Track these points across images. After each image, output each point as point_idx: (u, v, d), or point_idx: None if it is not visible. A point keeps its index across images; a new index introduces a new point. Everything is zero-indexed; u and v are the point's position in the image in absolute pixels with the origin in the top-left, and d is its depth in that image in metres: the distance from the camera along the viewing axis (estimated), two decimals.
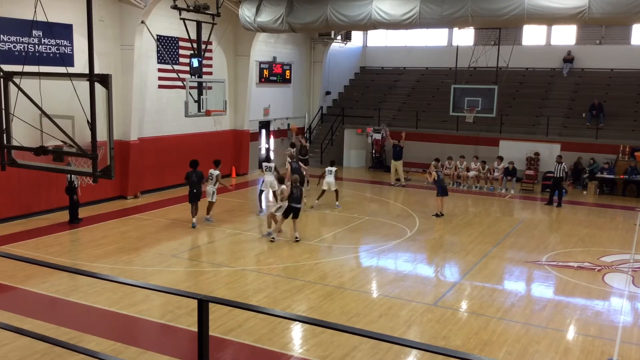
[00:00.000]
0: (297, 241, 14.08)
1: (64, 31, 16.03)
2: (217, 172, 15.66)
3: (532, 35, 27.68)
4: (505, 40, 24.28)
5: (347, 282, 11.58)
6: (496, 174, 22.12)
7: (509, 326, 9.56)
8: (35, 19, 7.68)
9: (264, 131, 25.46)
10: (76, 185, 15.30)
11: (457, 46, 24.03)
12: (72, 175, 15.02)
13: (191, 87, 16.72)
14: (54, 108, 6.49)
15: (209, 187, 15.57)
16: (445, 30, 28.87)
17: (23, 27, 14.58)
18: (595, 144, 22.76)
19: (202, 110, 16.89)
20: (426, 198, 19.90)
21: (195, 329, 3.71)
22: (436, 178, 17.31)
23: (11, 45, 14.82)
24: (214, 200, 15.71)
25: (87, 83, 5.61)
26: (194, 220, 15.36)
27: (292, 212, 14.12)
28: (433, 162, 19.16)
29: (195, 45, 17.82)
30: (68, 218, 15.40)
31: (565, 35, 27.42)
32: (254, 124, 24.35)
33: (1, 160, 6.54)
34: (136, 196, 18.65)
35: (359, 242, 14.86)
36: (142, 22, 17.74)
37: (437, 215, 17.24)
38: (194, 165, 15.49)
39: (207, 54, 20.21)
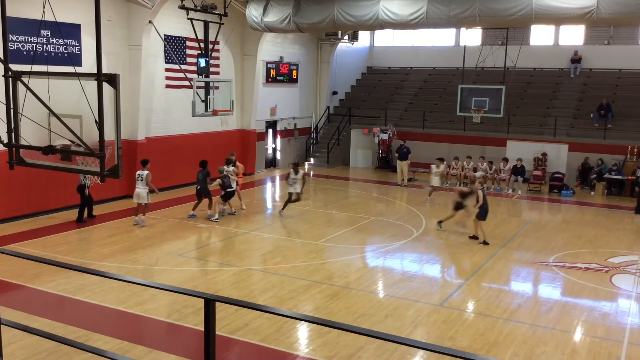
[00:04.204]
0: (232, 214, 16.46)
1: (72, 31, 16.11)
2: (146, 172, 15.06)
3: (540, 35, 27.56)
4: (513, 40, 24.21)
5: (354, 282, 11.57)
6: (503, 174, 22.06)
7: (515, 327, 9.53)
8: (43, 19, 7.71)
9: (270, 131, 25.48)
10: (88, 185, 15.44)
11: (465, 46, 23.98)
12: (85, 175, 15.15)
13: (198, 87, 16.76)
14: (62, 107, 6.51)
15: (141, 189, 15.00)
16: (453, 30, 28.79)
17: (31, 26, 14.65)
18: (603, 144, 22.64)
19: (209, 110, 16.92)
20: (433, 198, 19.84)
21: (201, 328, 3.72)
22: (481, 200, 14.32)
23: (20, 45, 14.89)
24: (148, 202, 15.23)
25: (95, 82, 5.62)
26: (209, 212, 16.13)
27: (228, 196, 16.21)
28: (478, 181, 15.66)
29: (202, 45, 17.86)
30: (76, 217, 15.50)
31: (573, 36, 27.29)
32: (261, 123, 24.38)
33: (10, 159, 6.57)
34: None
35: (366, 242, 14.85)
36: (150, 22, 17.80)
37: (484, 242, 14.31)
38: (203, 165, 16.26)
39: (214, 54, 20.25)
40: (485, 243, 14.30)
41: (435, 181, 19.85)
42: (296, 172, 16.48)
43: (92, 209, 15.82)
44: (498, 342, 8.94)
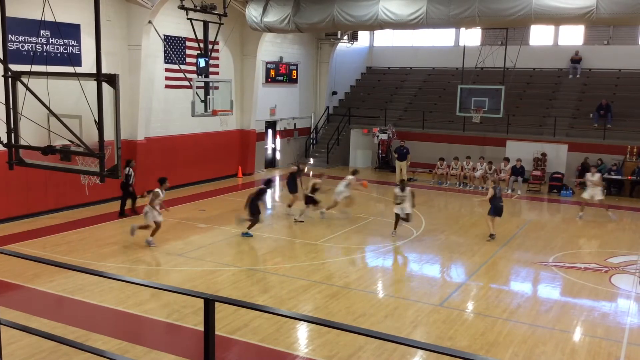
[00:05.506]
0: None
1: (72, 31, 16.10)
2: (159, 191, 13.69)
3: (540, 35, 27.56)
4: (513, 40, 24.20)
5: (353, 282, 11.57)
6: (502, 174, 22.06)
7: (515, 327, 9.53)
8: (43, 19, 7.71)
9: (270, 131, 25.48)
10: (131, 182, 16.05)
11: (464, 46, 23.98)
12: (130, 170, 15.97)
13: (198, 87, 16.76)
14: (61, 108, 6.51)
15: (149, 207, 13.49)
16: (452, 30, 28.80)
17: (31, 26, 14.65)
18: (602, 144, 22.64)
19: (208, 110, 16.93)
20: (432, 198, 19.84)
21: (201, 328, 3.73)
22: (492, 195, 14.64)
23: (19, 45, 14.89)
24: (159, 220, 13.56)
25: (95, 83, 5.62)
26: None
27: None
28: (491, 179, 15.59)
29: (202, 45, 17.85)
30: (119, 210, 16.33)
31: (573, 36, 27.29)
32: (260, 123, 24.38)
33: (9, 160, 6.58)
34: (143, 195, 18.67)
35: (365, 242, 14.84)
36: (149, 22, 17.79)
37: (490, 236, 14.74)
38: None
39: (213, 54, 20.24)
40: (491, 236, 14.64)
41: (598, 193, 17.24)
42: (403, 190, 14.94)
43: (135, 202, 16.50)
44: (498, 342, 8.94)
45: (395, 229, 15.10)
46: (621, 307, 10.73)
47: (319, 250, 13.73)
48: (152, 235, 13.54)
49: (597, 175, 17.53)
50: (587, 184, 17.52)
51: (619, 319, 10.07)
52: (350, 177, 16.82)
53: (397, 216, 15.04)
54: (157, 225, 13.56)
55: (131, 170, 16.17)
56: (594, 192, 17.26)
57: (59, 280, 10.98)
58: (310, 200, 16.42)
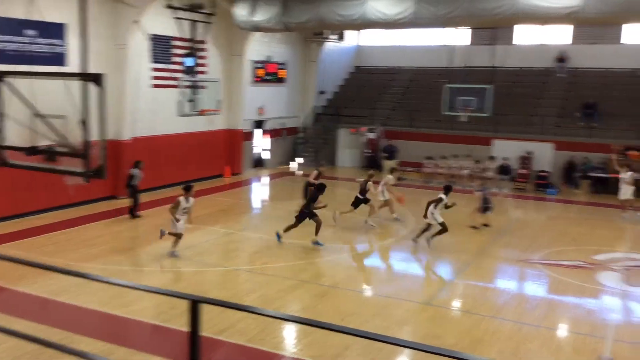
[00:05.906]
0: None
1: (57, 30, 15.96)
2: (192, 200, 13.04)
3: (527, 34, 27.71)
4: (500, 39, 24.32)
5: (341, 281, 11.58)
6: (489, 173, 22.19)
7: (501, 325, 9.59)
8: (28, 18, 7.65)
9: (257, 131, 25.40)
10: (135, 183, 15.86)
11: (453, 46, 24.07)
12: (137, 170, 15.85)
13: (185, 87, 16.69)
14: (46, 107, 6.47)
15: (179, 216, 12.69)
16: (440, 30, 28.85)
17: (16, 26, 14.49)
18: (588, 143, 22.81)
19: (196, 110, 16.88)
20: (420, 197, 19.87)
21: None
22: (479, 202, 15.76)
23: (4, 45, 14.73)
24: (179, 231, 12.76)
25: (81, 82, 5.59)
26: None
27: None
28: (476, 185, 16.55)
29: (189, 44, 17.79)
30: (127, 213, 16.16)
31: (560, 35, 27.47)
32: (248, 123, 24.32)
33: None
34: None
35: (354, 241, 14.86)
36: (136, 21, 17.68)
37: (474, 227, 15.75)
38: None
39: (201, 53, 20.17)
40: (474, 227, 15.67)
41: (628, 193, 16.93)
42: (447, 194, 14.05)
43: (136, 205, 16.08)
44: (484, 339, 9.00)
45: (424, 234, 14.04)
46: (606, 303, 10.84)
47: (307, 249, 13.73)
48: (173, 245, 12.70)
49: (629, 174, 17.33)
50: (621, 182, 17.46)
51: (604, 316, 10.17)
52: (388, 176, 16.68)
53: (444, 226, 13.83)
54: (177, 235, 12.70)
55: (137, 170, 15.98)
56: (627, 190, 17.24)
57: (43, 282, 10.87)
58: (360, 201, 15.98)
